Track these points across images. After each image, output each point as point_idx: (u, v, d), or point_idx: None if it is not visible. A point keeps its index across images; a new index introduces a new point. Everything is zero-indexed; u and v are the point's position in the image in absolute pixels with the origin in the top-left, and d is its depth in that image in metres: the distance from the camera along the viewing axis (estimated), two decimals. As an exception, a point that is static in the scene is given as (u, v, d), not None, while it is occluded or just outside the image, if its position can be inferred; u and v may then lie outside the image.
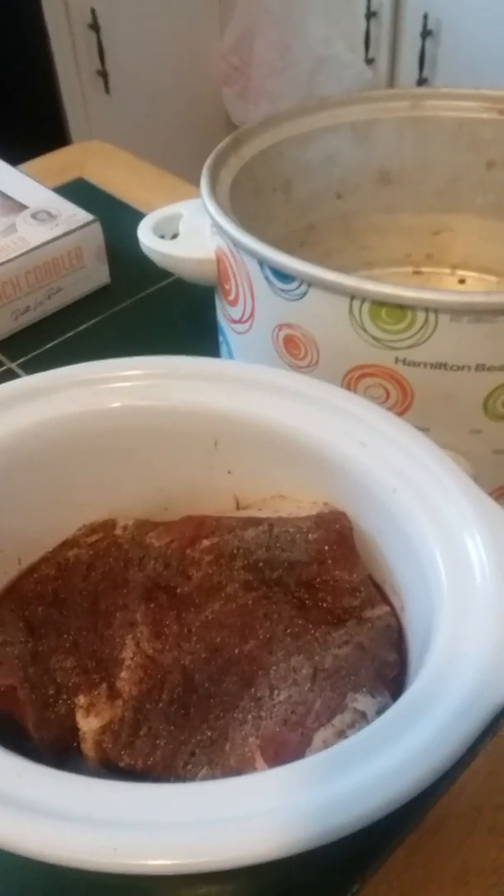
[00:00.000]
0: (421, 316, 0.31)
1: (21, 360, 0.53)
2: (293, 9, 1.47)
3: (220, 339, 0.44)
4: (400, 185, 0.46)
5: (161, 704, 0.27)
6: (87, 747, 0.27)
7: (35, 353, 0.53)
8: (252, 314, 0.38)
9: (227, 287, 0.39)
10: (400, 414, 0.33)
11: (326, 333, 0.34)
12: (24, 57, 1.41)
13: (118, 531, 0.33)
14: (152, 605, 0.30)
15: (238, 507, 0.34)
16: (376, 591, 0.30)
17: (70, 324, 0.55)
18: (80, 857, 0.19)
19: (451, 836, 0.30)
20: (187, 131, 1.66)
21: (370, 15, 1.39)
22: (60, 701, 0.28)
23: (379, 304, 0.32)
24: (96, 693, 0.28)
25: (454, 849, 0.30)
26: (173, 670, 0.28)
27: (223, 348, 0.44)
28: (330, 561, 0.30)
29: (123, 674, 0.28)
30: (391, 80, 1.45)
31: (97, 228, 0.55)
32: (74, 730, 0.27)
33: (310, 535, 0.31)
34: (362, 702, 0.25)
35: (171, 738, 0.27)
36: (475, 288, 0.49)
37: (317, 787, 0.21)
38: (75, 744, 0.27)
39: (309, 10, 1.45)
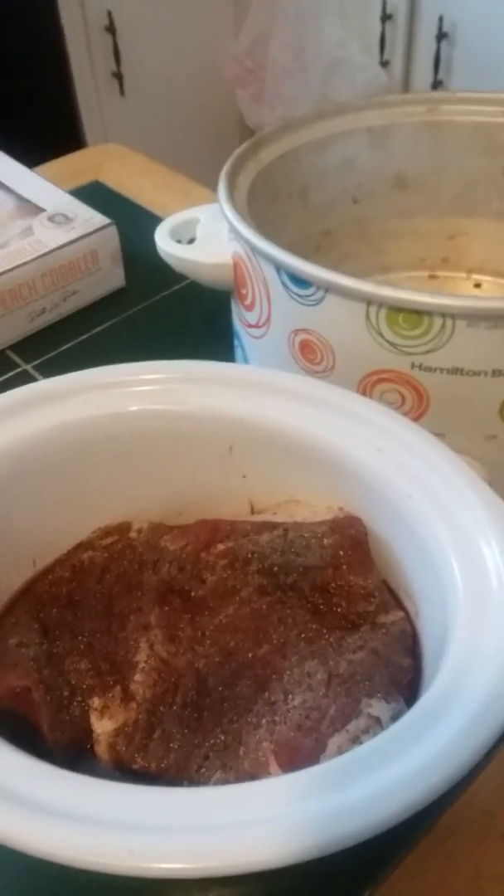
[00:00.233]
0: (438, 321, 0.31)
1: (36, 362, 0.53)
2: (308, 11, 1.47)
3: (236, 343, 0.44)
4: (416, 190, 0.46)
5: (175, 707, 0.28)
6: (101, 749, 0.27)
7: (50, 354, 0.53)
8: (268, 319, 0.38)
9: (243, 292, 0.39)
10: (415, 419, 0.33)
11: (343, 339, 0.35)
12: (40, 59, 1.42)
13: (133, 534, 0.33)
14: (166, 609, 0.30)
15: (252, 512, 0.34)
16: (391, 597, 0.30)
17: (85, 326, 0.55)
18: (95, 859, 0.20)
19: (464, 841, 0.30)
20: (201, 133, 1.66)
21: (385, 17, 1.39)
22: (75, 703, 0.28)
23: (396, 309, 0.32)
24: (110, 695, 0.28)
25: (467, 854, 0.30)
26: (187, 674, 0.28)
27: (238, 353, 0.44)
28: (345, 566, 0.30)
29: (137, 676, 0.29)
30: (406, 83, 1.45)
31: (113, 231, 0.56)
32: (88, 732, 0.28)
33: (325, 540, 0.31)
34: (377, 707, 0.25)
35: (184, 741, 0.27)
36: (491, 292, 0.49)
37: (332, 794, 0.21)
38: (89, 746, 0.28)
39: (324, 12, 1.45)
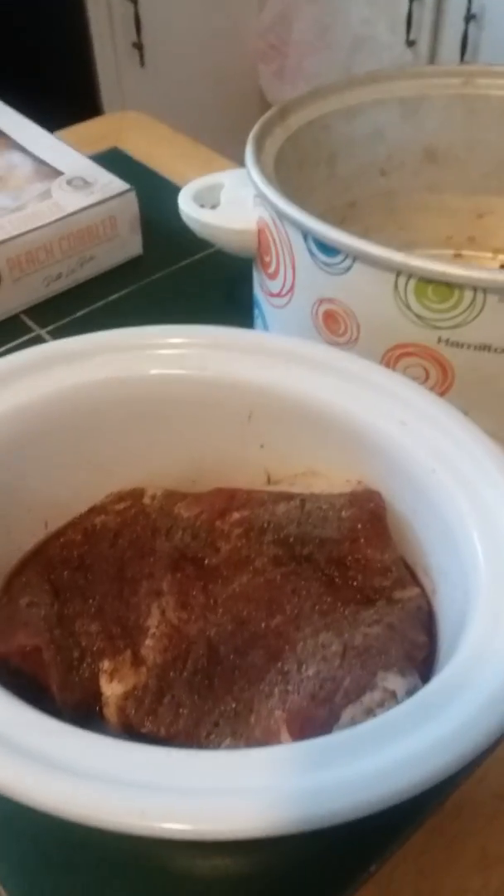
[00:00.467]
0: (468, 295, 0.31)
1: (50, 328, 0.52)
2: (334, -13, 1.44)
3: (256, 312, 0.44)
4: (446, 164, 0.45)
5: (185, 674, 0.27)
6: (110, 712, 0.27)
7: (65, 320, 0.53)
8: (292, 287, 0.37)
9: (266, 259, 0.38)
10: (439, 395, 0.33)
11: (368, 310, 0.34)
12: (61, 27, 1.40)
13: (146, 500, 0.33)
14: (179, 576, 0.30)
15: (269, 482, 0.34)
16: (407, 573, 0.30)
17: (101, 293, 0.55)
18: (107, 817, 0.19)
19: (472, 821, 0.30)
20: (220, 108, 1.64)
21: (413, -3, 1.37)
22: (85, 665, 0.28)
23: (426, 281, 0.31)
24: (120, 659, 0.28)
25: (474, 834, 0.30)
26: (198, 641, 0.28)
27: (258, 322, 0.44)
28: (362, 539, 0.30)
29: (148, 641, 0.28)
30: (431, 64, 1.42)
31: (132, 197, 0.55)
32: (97, 694, 0.27)
33: (342, 513, 0.30)
34: (392, 681, 0.25)
35: (194, 707, 0.27)
36: (516, 274, 0.48)
37: (344, 764, 0.21)
38: (98, 708, 0.27)
39: (350, -11, 1.43)
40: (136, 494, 0.33)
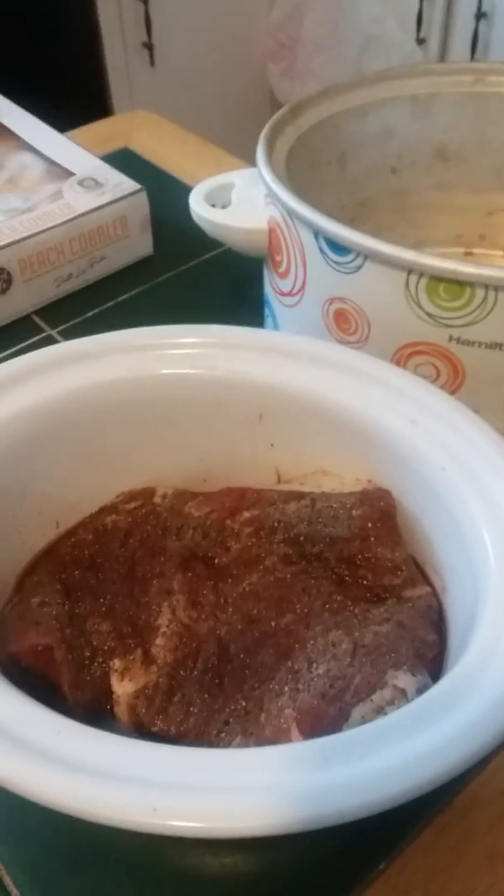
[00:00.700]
0: (480, 293, 0.31)
1: (61, 328, 0.53)
2: (344, -14, 1.44)
3: (266, 311, 0.44)
4: (457, 163, 0.45)
5: (196, 673, 0.27)
6: (121, 711, 0.27)
7: (75, 321, 0.53)
8: (303, 286, 0.37)
9: (277, 258, 0.38)
10: (449, 393, 0.33)
11: (379, 308, 0.34)
12: (72, 27, 1.41)
13: (157, 499, 0.33)
14: (189, 575, 0.30)
15: (279, 482, 0.34)
16: (417, 571, 0.30)
17: (111, 293, 0.55)
18: (119, 815, 0.19)
19: (480, 820, 0.30)
20: (230, 108, 1.64)
21: (424, -6, 1.37)
22: (96, 663, 0.28)
23: (437, 279, 0.31)
24: (131, 658, 0.28)
25: (482, 833, 0.30)
26: (209, 640, 0.28)
27: (268, 322, 0.44)
28: (372, 538, 0.30)
29: (159, 640, 0.28)
30: (442, 62, 1.42)
31: (143, 198, 0.55)
32: (108, 693, 0.28)
33: (353, 512, 0.30)
34: (403, 679, 0.25)
35: (204, 706, 0.27)
36: (526, 273, 0.48)
37: (354, 762, 0.21)
38: (108, 706, 0.27)
39: (360, -13, 1.43)
40: (146, 494, 0.33)
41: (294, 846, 0.27)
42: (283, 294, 0.39)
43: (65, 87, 1.35)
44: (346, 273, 0.34)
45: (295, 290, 0.38)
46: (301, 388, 0.31)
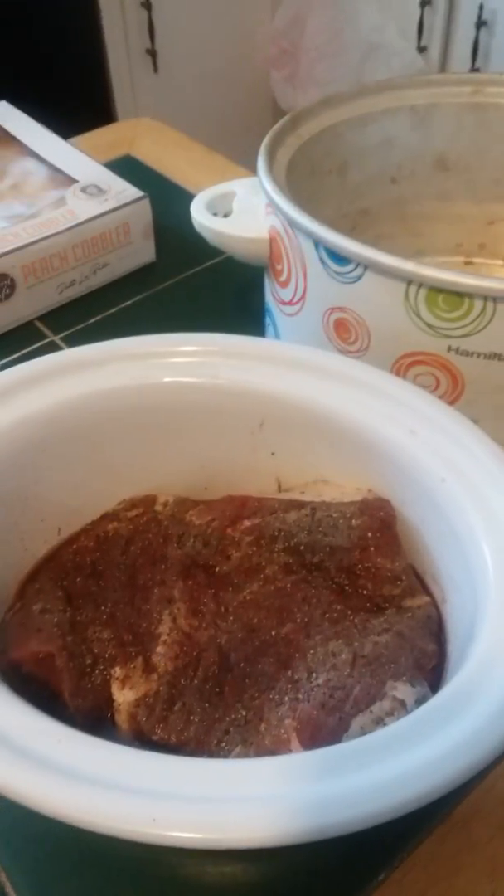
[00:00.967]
0: (479, 304, 0.31)
1: (64, 334, 0.53)
2: (346, -7, 1.45)
3: (267, 320, 0.44)
4: (456, 172, 0.45)
5: (196, 681, 0.27)
6: (121, 719, 0.27)
7: (78, 327, 0.53)
8: (303, 296, 0.37)
9: (278, 268, 0.38)
10: (448, 404, 0.33)
11: (379, 318, 0.34)
12: (76, 33, 1.41)
13: (158, 507, 0.33)
14: (190, 583, 0.30)
15: (280, 490, 0.34)
16: (417, 581, 0.30)
17: (114, 299, 0.55)
18: (119, 825, 0.19)
19: (480, 830, 0.30)
20: (233, 114, 1.65)
21: (425, 3, 1.37)
22: (97, 671, 0.28)
23: (436, 290, 0.31)
24: (132, 666, 0.28)
25: (483, 843, 0.30)
26: (209, 648, 0.28)
27: (269, 330, 0.44)
28: (372, 548, 0.30)
29: (159, 648, 0.28)
30: (442, 70, 1.42)
31: (146, 205, 0.55)
32: (109, 701, 0.28)
33: (353, 521, 0.30)
34: (402, 690, 0.25)
35: (205, 715, 0.27)
36: (527, 281, 0.48)
37: (353, 774, 0.21)
38: (109, 714, 0.28)
39: (362, -5, 1.43)
40: (148, 501, 0.33)
41: (294, 856, 0.27)
42: (283, 303, 0.40)
43: (68, 93, 1.36)
44: (346, 283, 0.34)
45: (295, 300, 0.38)
46: (302, 398, 0.31)
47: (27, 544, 0.32)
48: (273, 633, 0.28)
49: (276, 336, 0.42)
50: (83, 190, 0.55)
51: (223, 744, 0.26)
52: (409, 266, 0.31)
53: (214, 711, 0.27)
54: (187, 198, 0.42)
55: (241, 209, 0.40)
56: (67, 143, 0.61)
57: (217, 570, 0.30)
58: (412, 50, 1.42)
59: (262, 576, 0.30)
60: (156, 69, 1.51)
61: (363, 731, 0.24)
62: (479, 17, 1.32)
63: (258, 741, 0.26)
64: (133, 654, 0.29)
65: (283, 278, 0.39)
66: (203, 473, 0.34)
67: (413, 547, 0.30)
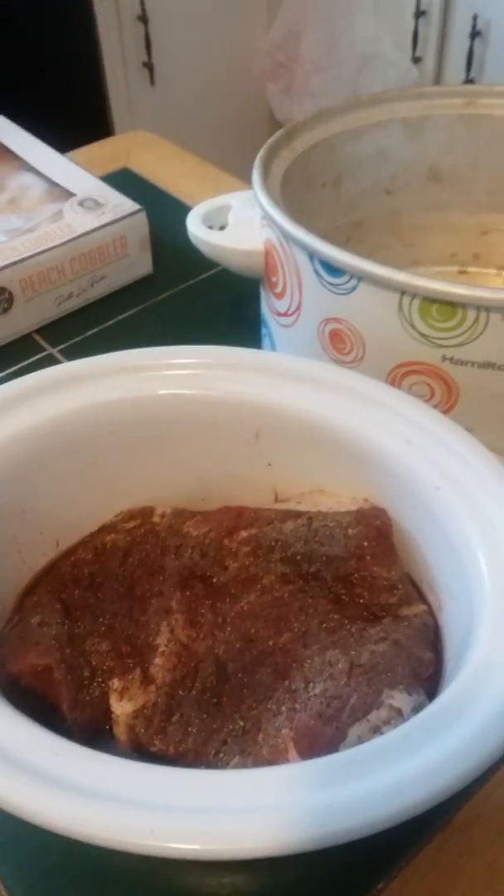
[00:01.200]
0: (472, 314, 0.31)
1: (61, 347, 0.53)
2: (341, 6, 1.46)
3: (264, 331, 0.44)
4: (450, 183, 0.45)
5: (194, 692, 0.28)
6: (120, 731, 0.27)
7: (76, 339, 0.53)
8: (298, 307, 0.37)
9: (274, 279, 0.39)
10: (443, 413, 0.33)
11: (374, 329, 0.34)
12: (72, 46, 1.42)
13: (156, 518, 0.33)
14: (188, 594, 0.30)
15: (277, 500, 0.34)
16: (413, 590, 0.30)
17: (112, 312, 0.55)
18: (117, 837, 0.19)
19: (480, 837, 0.30)
20: (230, 126, 1.66)
21: (419, 14, 1.38)
22: (95, 683, 0.28)
23: (430, 300, 0.31)
24: (130, 677, 0.28)
25: (482, 850, 0.30)
26: (207, 659, 0.28)
27: (266, 341, 0.44)
28: (368, 557, 0.30)
29: (157, 660, 0.29)
30: (437, 81, 1.43)
31: (143, 218, 0.55)
32: (107, 713, 0.28)
33: (349, 531, 0.31)
34: (399, 699, 0.25)
35: (203, 725, 0.27)
36: (521, 290, 0.48)
37: (351, 783, 0.21)
38: (107, 726, 0.28)
39: (357, 7, 1.44)
40: (145, 513, 0.33)
41: (293, 867, 0.27)
42: (279, 314, 0.40)
43: (65, 106, 1.37)
44: (340, 294, 0.34)
45: (291, 311, 0.38)
46: (298, 408, 0.31)
47: (25, 557, 0.32)
48: (270, 643, 0.28)
49: (272, 347, 0.43)
50: (80, 203, 0.55)
51: (221, 754, 0.26)
52: (402, 277, 0.32)
53: (212, 722, 0.27)
54: (184, 210, 0.43)
55: (236, 222, 0.41)
56: (64, 157, 0.61)
57: (214, 580, 0.31)
58: (407, 61, 1.43)
59: (259, 586, 0.30)
60: (152, 82, 1.52)
61: (360, 741, 0.24)
62: (474, 27, 1.33)
63: (256, 751, 0.26)
64: (131, 665, 0.29)
65: (278, 290, 0.39)
66: (200, 485, 0.34)
67: (409, 556, 0.30)
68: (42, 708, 0.27)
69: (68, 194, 0.57)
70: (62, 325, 0.54)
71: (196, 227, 0.41)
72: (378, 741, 0.22)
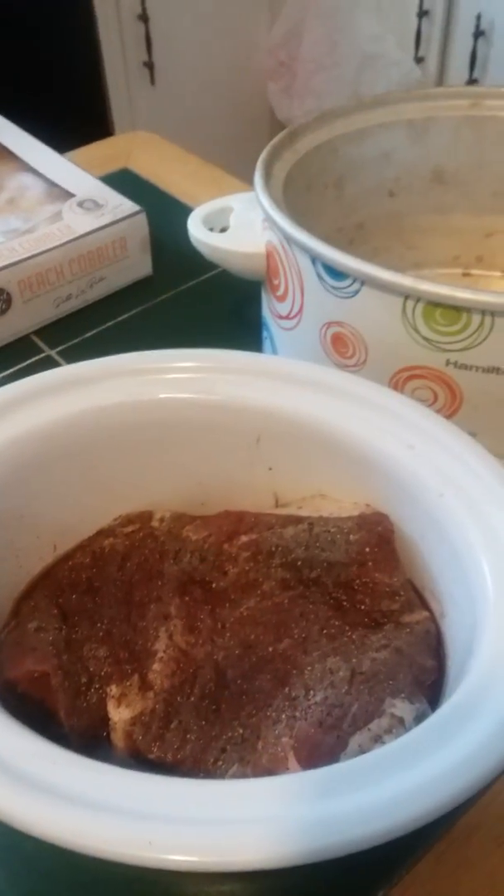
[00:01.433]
0: (476, 318, 0.31)
1: (60, 348, 0.53)
2: (343, 5, 1.45)
3: (265, 334, 0.44)
4: (454, 185, 0.45)
5: (193, 699, 0.27)
6: (117, 737, 0.27)
7: (75, 341, 0.53)
8: (300, 310, 0.37)
9: (275, 282, 0.39)
10: (446, 418, 0.33)
11: (376, 333, 0.34)
12: (73, 45, 1.42)
13: (155, 523, 0.33)
14: (186, 599, 0.30)
15: (277, 505, 0.34)
16: (416, 596, 0.30)
17: (111, 313, 0.55)
18: (114, 848, 0.19)
19: (480, 847, 0.30)
20: (230, 126, 1.65)
21: (422, 13, 1.38)
22: (92, 690, 0.28)
23: (434, 304, 0.31)
24: (128, 684, 0.28)
25: (482, 860, 0.29)
26: (206, 665, 0.28)
27: (267, 344, 0.44)
28: (370, 563, 0.30)
29: (156, 666, 0.28)
30: (440, 80, 1.43)
31: (142, 219, 0.55)
32: (105, 719, 0.27)
33: (350, 536, 0.30)
34: (400, 707, 0.25)
35: (201, 733, 0.26)
36: (524, 293, 0.48)
37: (353, 794, 0.20)
38: (105, 733, 0.27)
39: (359, 6, 1.44)
40: (144, 517, 0.33)
41: (292, 877, 0.26)
42: (280, 317, 0.40)
43: (65, 106, 1.37)
44: (343, 298, 0.34)
45: (292, 314, 0.38)
46: (299, 413, 0.31)
47: (22, 561, 0.31)
48: (270, 649, 0.28)
49: (274, 350, 0.42)
50: (80, 204, 0.55)
51: (220, 762, 0.26)
52: (406, 280, 0.31)
53: (211, 729, 0.27)
54: (184, 211, 0.42)
55: (237, 224, 0.40)
56: (64, 158, 0.61)
57: (214, 585, 0.30)
58: (409, 61, 1.43)
59: (259, 592, 0.30)
60: (153, 82, 1.52)
61: (361, 750, 0.24)
62: (477, 27, 1.33)
63: (255, 759, 0.25)
64: (129, 671, 0.28)
65: (280, 293, 0.39)
66: (200, 489, 0.34)
67: (411, 562, 0.30)
68: (39, 714, 0.27)
69: (67, 195, 0.56)
70: (61, 327, 0.54)
71: (197, 230, 0.41)
72: (379, 752, 0.22)
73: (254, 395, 0.31)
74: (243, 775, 0.25)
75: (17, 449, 0.30)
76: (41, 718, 0.27)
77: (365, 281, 0.33)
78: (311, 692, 0.26)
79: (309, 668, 0.27)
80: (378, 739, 0.25)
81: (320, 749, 0.25)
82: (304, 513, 0.32)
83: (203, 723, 0.27)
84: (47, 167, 0.60)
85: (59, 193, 0.57)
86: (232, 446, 0.32)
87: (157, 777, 0.21)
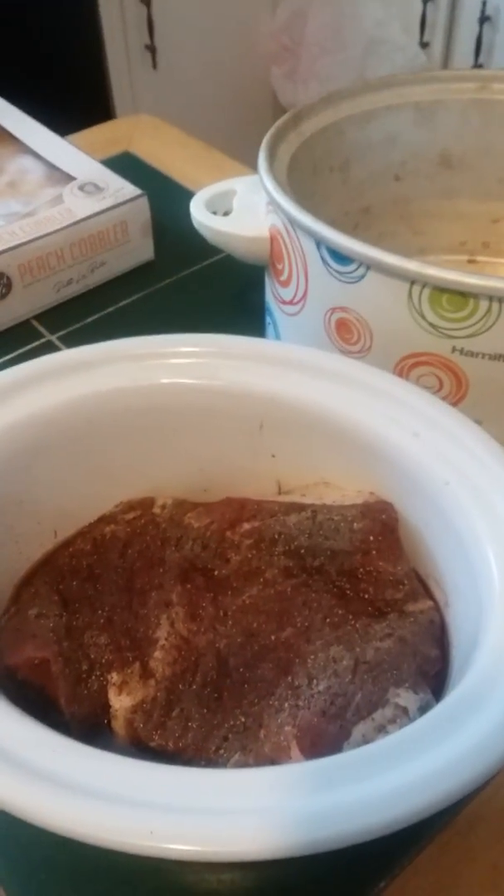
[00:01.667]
0: (484, 304, 0.30)
1: (61, 333, 0.52)
2: (348, -11, 1.44)
3: (268, 320, 0.43)
4: (461, 170, 0.45)
5: (194, 687, 0.27)
6: (118, 725, 0.27)
7: (75, 326, 0.53)
8: (304, 296, 0.37)
9: (279, 267, 0.38)
10: (452, 405, 0.32)
11: (382, 319, 0.34)
12: (74, 29, 1.41)
13: (156, 510, 0.33)
14: (188, 587, 0.30)
15: (280, 493, 0.33)
16: (420, 585, 0.30)
17: (112, 298, 0.55)
18: (116, 837, 0.19)
19: (483, 837, 0.30)
20: (233, 110, 1.64)
21: (427, -2, 1.37)
22: (93, 677, 0.28)
23: (440, 290, 0.31)
24: (129, 671, 0.28)
25: (484, 852, 0.29)
26: (208, 653, 0.28)
27: (270, 329, 0.43)
28: (374, 551, 0.30)
29: (157, 653, 0.28)
30: (445, 66, 1.42)
31: (144, 203, 0.55)
32: (106, 707, 0.27)
33: (354, 524, 0.30)
34: (404, 697, 0.25)
35: (203, 721, 0.26)
36: (530, 280, 0.48)
37: (356, 784, 0.20)
38: (106, 721, 0.27)
39: (364, -9, 1.43)
40: (146, 504, 0.33)
41: (293, 865, 0.26)
42: (284, 302, 0.39)
43: (67, 90, 1.35)
44: (348, 282, 0.34)
45: (296, 299, 0.38)
46: (302, 399, 0.30)
47: (22, 547, 0.31)
48: (273, 637, 0.28)
49: (277, 336, 0.42)
50: (81, 188, 0.54)
51: (222, 750, 0.26)
52: (412, 266, 0.31)
53: (213, 717, 0.26)
54: (186, 195, 0.42)
55: (241, 207, 0.40)
56: (65, 141, 0.60)
57: (216, 573, 0.30)
58: (414, 45, 1.42)
59: (261, 579, 0.29)
60: (155, 65, 1.51)
61: (365, 740, 0.24)
62: (483, 12, 1.31)
63: (257, 748, 0.25)
64: (130, 659, 0.28)
65: (283, 277, 0.38)
66: (202, 475, 0.33)
67: (416, 550, 0.30)
68: (39, 702, 0.27)
69: (68, 178, 0.56)
70: (61, 312, 0.54)
71: (200, 213, 0.40)
72: (382, 742, 0.22)
73: (257, 381, 0.31)
74: (245, 764, 0.25)
75: (17, 434, 0.30)
76: (41, 705, 0.27)
77: (370, 265, 0.32)
78: (314, 681, 0.26)
79: (312, 656, 0.27)
80: (382, 729, 0.24)
81: (323, 738, 0.24)
82: (307, 500, 0.32)
83: (205, 711, 0.27)
84: (48, 150, 0.59)
85: (60, 177, 0.56)
86: (234, 432, 0.32)
87: (158, 766, 0.21)
